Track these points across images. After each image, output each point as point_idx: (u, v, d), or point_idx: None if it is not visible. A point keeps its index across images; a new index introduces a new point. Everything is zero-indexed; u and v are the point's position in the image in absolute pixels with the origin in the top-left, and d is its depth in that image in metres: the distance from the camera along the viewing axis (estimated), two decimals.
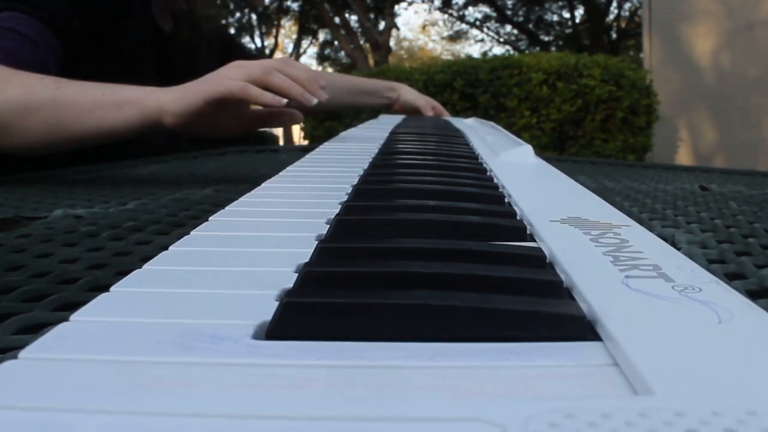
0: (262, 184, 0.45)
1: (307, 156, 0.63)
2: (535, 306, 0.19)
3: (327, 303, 0.19)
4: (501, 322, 0.18)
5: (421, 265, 0.23)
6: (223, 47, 1.14)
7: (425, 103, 1.38)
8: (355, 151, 0.67)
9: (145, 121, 0.69)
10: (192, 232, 0.31)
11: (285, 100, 0.69)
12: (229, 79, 0.68)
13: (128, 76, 0.77)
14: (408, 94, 1.37)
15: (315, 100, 0.70)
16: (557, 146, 3.82)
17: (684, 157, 5.44)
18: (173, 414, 0.13)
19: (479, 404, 0.13)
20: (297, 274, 0.23)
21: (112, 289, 0.22)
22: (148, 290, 0.22)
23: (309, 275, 0.22)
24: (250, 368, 0.16)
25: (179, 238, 0.29)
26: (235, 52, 1.16)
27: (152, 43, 1.00)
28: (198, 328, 0.18)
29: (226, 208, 0.37)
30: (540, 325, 0.18)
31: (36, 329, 0.27)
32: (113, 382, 0.15)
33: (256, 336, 0.18)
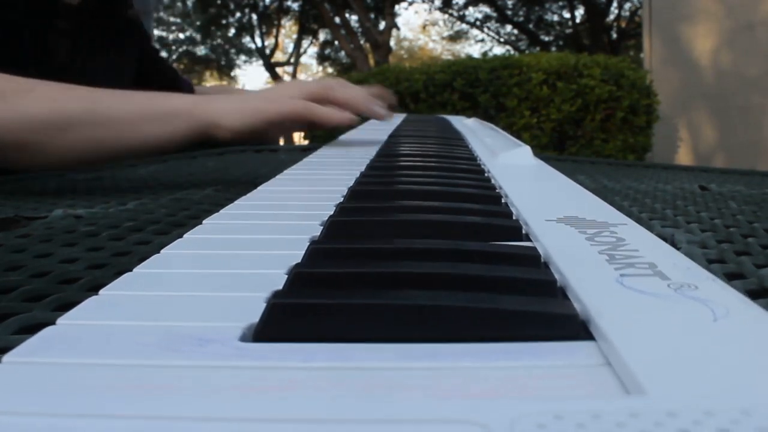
0: (258, 187, 0.45)
1: (304, 159, 0.63)
2: (526, 305, 0.18)
3: (315, 304, 0.18)
4: (491, 321, 0.18)
5: (412, 265, 0.22)
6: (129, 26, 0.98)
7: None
8: (353, 154, 0.66)
9: (194, 134, 0.67)
10: (185, 235, 0.30)
11: (356, 117, 0.68)
12: (290, 98, 0.67)
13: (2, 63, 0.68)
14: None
15: (389, 114, 0.71)
16: (557, 146, 3.81)
17: (684, 156, 5.44)
18: (159, 417, 0.13)
19: (466, 405, 0.13)
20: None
21: (101, 291, 0.22)
22: (137, 293, 0.22)
23: (298, 276, 0.22)
24: (236, 370, 0.16)
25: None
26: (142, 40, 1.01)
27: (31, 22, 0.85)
28: (185, 330, 0.18)
29: (221, 210, 0.37)
30: (532, 324, 0.18)
31: (35, 329, 0.27)
32: (98, 385, 0.15)
33: (244, 338, 0.18)
